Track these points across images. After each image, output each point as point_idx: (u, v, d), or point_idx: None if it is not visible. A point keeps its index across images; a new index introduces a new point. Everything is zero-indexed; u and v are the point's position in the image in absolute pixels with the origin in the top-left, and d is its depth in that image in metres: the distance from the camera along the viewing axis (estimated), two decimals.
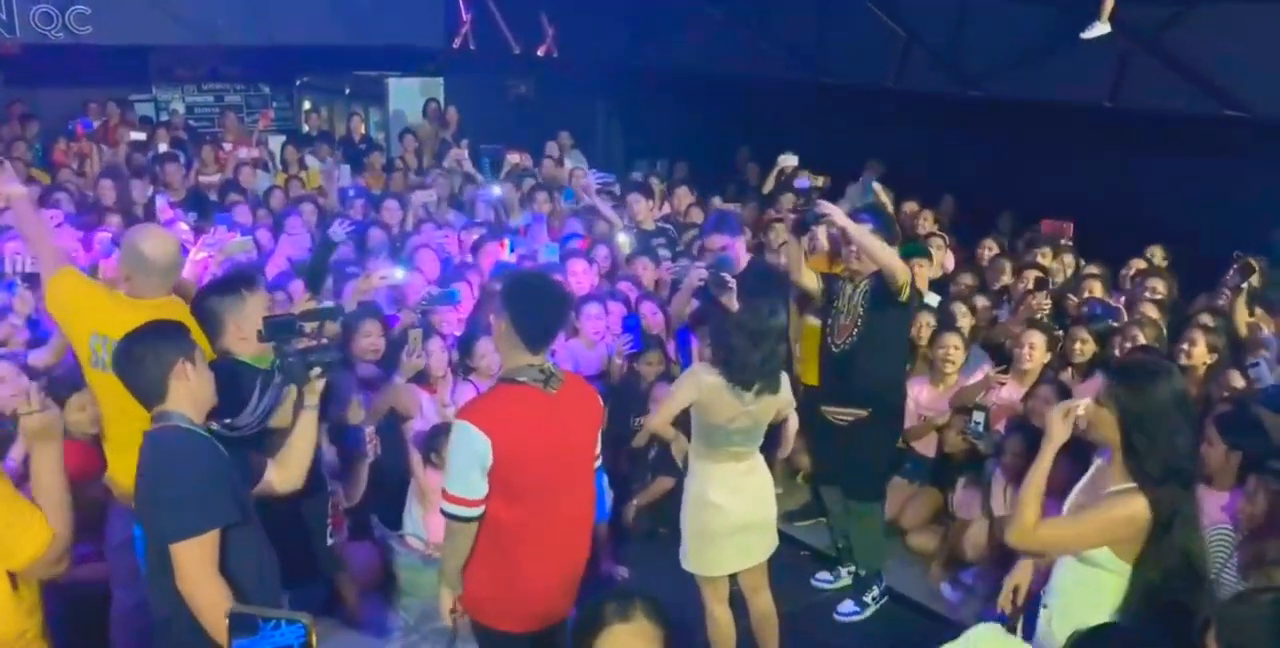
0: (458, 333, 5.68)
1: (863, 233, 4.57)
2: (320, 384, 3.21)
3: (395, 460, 5.00)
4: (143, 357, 2.83)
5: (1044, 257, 6.85)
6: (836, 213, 4.62)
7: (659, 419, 4.21)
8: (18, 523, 2.70)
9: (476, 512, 3.10)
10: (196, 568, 2.72)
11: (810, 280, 5.00)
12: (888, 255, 4.56)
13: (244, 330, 3.48)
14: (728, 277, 5.09)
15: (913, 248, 7.18)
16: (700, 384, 4.01)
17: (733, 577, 4.27)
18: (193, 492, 2.74)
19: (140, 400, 2.89)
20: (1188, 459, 2.83)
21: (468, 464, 3.06)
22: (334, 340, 4.24)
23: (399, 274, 5.50)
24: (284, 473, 3.23)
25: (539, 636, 3.31)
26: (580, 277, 6.24)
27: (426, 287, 5.98)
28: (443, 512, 3.16)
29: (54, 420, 2.82)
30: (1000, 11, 7.80)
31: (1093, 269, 6.62)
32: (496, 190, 8.31)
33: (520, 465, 3.10)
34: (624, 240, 6.94)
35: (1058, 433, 2.86)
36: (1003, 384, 5.25)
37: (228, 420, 3.09)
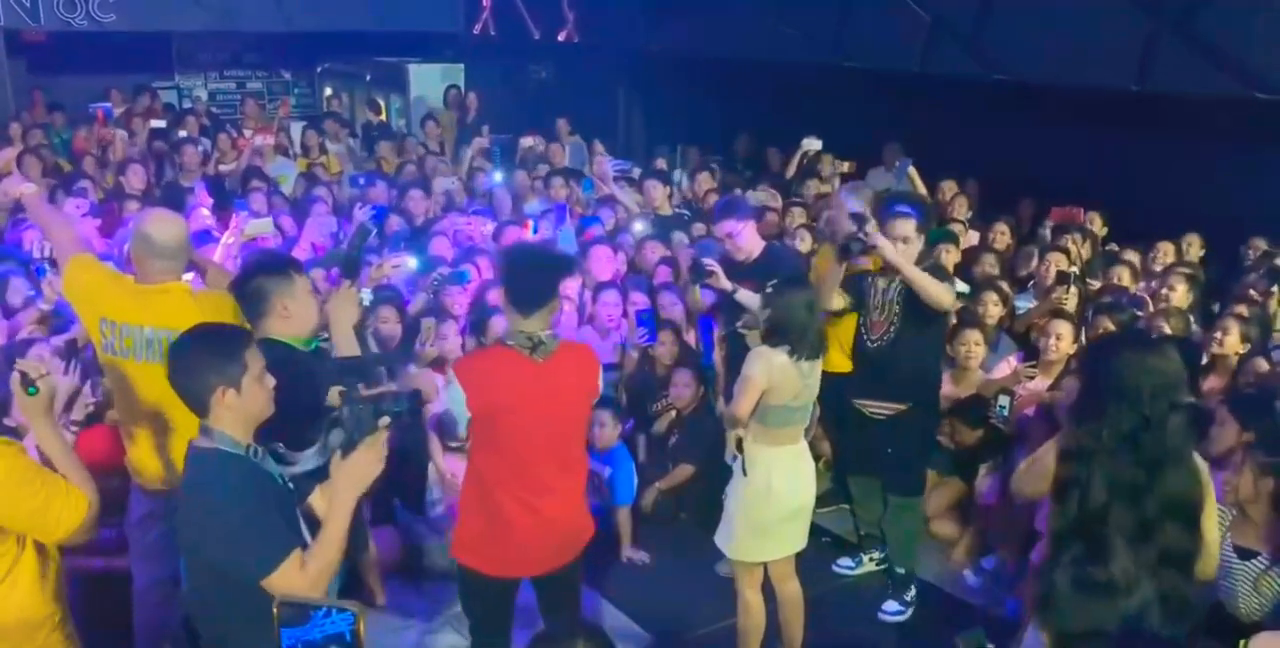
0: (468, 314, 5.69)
1: (912, 270, 4.51)
2: (385, 436, 2.82)
3: (414, 445, 5.00)
4: (188, 370, 2.66)
5: (1073, 243, 6.76)
6: (886, 246, 4.53)
7: (742, 408, 4.02)
8: (57, 497, 2.77)
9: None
10: (294, 587, 2.54)
11: (839, 303, 4.84)
12: (937, 291, 4.52)
13: (290, 310, 3.49)
14: (708, 261, 5.05)
15: (940, 233, 7.13)
16: (771, 366, 3.99)
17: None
18: (252, 528, 2.56)
19: (188, 408, 2.72)
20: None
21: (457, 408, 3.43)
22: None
23: (412, 263, 5.51)
24: (306, 573, 2.59)
25: (525, 584, 3.60)
26: (603, 263, 6.21)
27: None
28: None
29: (48, 397, 2.90)
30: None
31: (1122, 256, 6.56)
32: (498, 177, 8.29)
33: (496, 421, 3.34)
34: (639, 228, 6.90)
35: None
36: (1031, 378, 5.16)
37: (283, 449, 2.97)
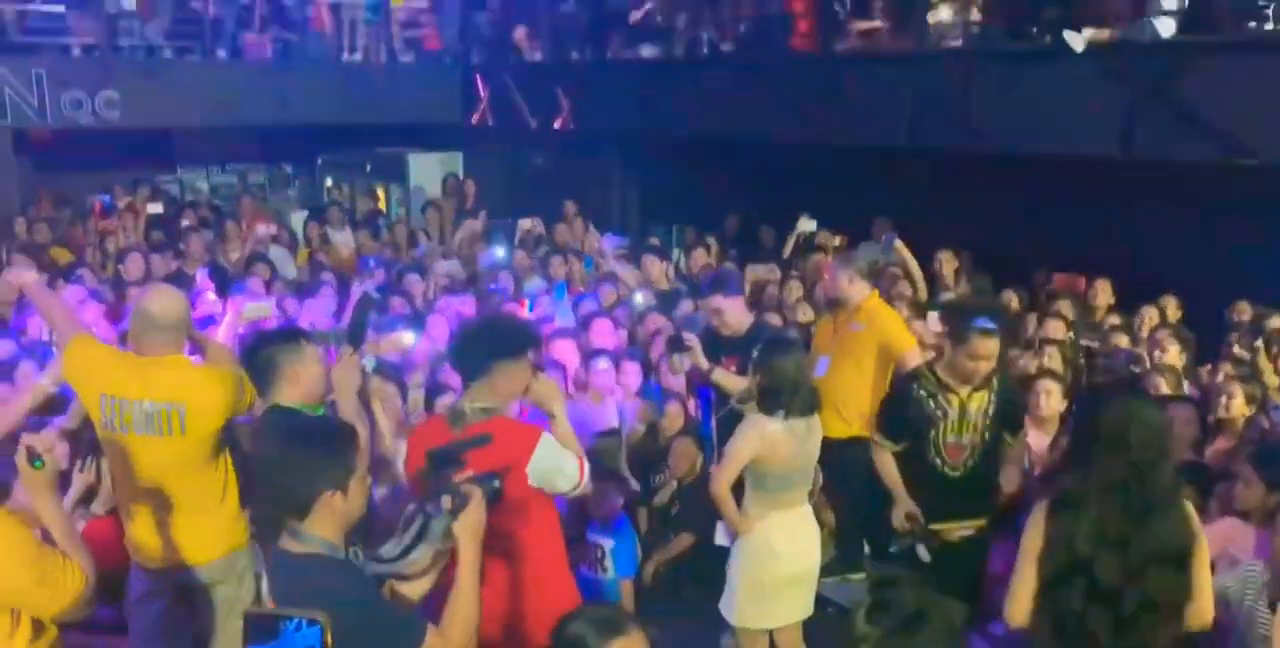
0: None
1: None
2: (481, 514, 2.77)
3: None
4: (295, 471, 2.54)
5: (1064, 308, 6.84)
6: None
7: (722, 483, 4.06)
8: (54, 571, 2.76)
9: None
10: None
11: (889, 448, 4.46)
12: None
13: (301, 376, 3.59)
14: (688, 336, 5.14)
15: (941, 305, 7.21)
16: (764, 435, 4.02)
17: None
18: (385, 630, 2.52)
19: (275, 506, 2.61)
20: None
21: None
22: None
23: (408, 339, 5.57)
24: (450, 638, 2.63)
25: None
26: (605, 337, 6.27)
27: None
28: None
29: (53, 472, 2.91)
30: (1008, 68, 7.92)
31: (1114, 320, 6.64)
32: (499, 252, 8.42)
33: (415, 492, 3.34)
34: (640, 300, 7.00)
35: None
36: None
37: (371, 552, 2.81)
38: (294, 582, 2.50)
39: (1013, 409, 4.32)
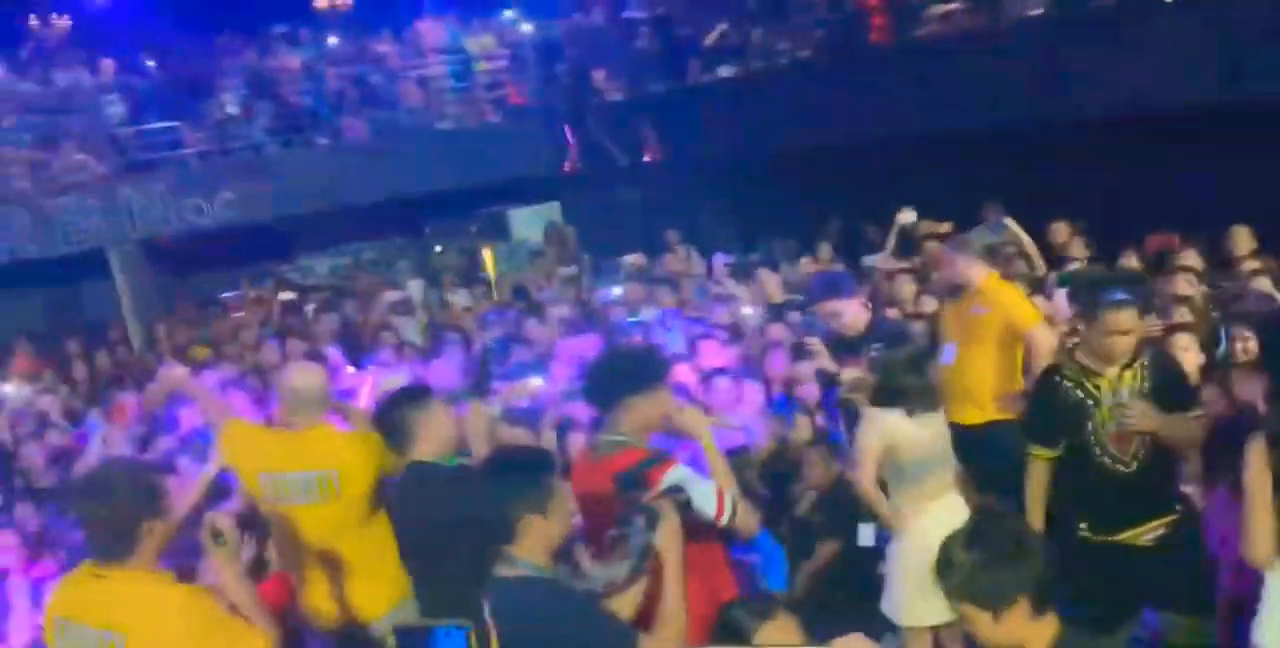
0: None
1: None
2: (676, 522, 2.89)
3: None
4: (497, 499, 2.68)
5: (1188, 260, 6.55)
6: (1151, 415, 3.65)
7: (864, 479, 4.05)
8: (241, 639, 2.88)
9: None
10: None
11: (1045, 455, 3.93)
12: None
13: (432, 433, 3.67)
14: (809, 340, 5.08)
15: (1069, 276, 6.99)
16: (882, 428, 4.00)
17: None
18: (601, 632, 2.66)
19: (478, 535, 2.75)
20: None
21: None
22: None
23: (535, 384, 5.67)
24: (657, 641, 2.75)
25: None
26: (714, 357, 6.26)
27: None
28: None
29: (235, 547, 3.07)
30: (1093, 30, 7.69)
31: (1254, 265, 6.33)
32: (616, 291, 8.51)
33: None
34: (748, 312, 7.00)
35: None
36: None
37: (578, 573, 2.93)
38: (511, 604, 2.62)
39: (1174, 380, 3.79)
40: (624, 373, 3.44)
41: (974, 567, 2.01)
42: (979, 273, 5.34)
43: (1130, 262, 7.02)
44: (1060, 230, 7.90)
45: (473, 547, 2.72)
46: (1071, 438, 3.78)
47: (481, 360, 4.53)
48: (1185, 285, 5.96)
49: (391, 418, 3.72)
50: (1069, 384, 3.80)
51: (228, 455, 4.21)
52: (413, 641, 2.21)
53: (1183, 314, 5.49)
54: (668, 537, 2.80)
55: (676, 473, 3.25)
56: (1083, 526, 3.79)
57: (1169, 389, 3.76)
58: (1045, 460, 3.91)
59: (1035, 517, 3.91)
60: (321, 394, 4.07)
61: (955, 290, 5.48)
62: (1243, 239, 6.88)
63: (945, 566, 2.06)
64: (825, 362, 4.98)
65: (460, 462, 3.89)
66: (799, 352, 5.13)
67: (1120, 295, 3.70)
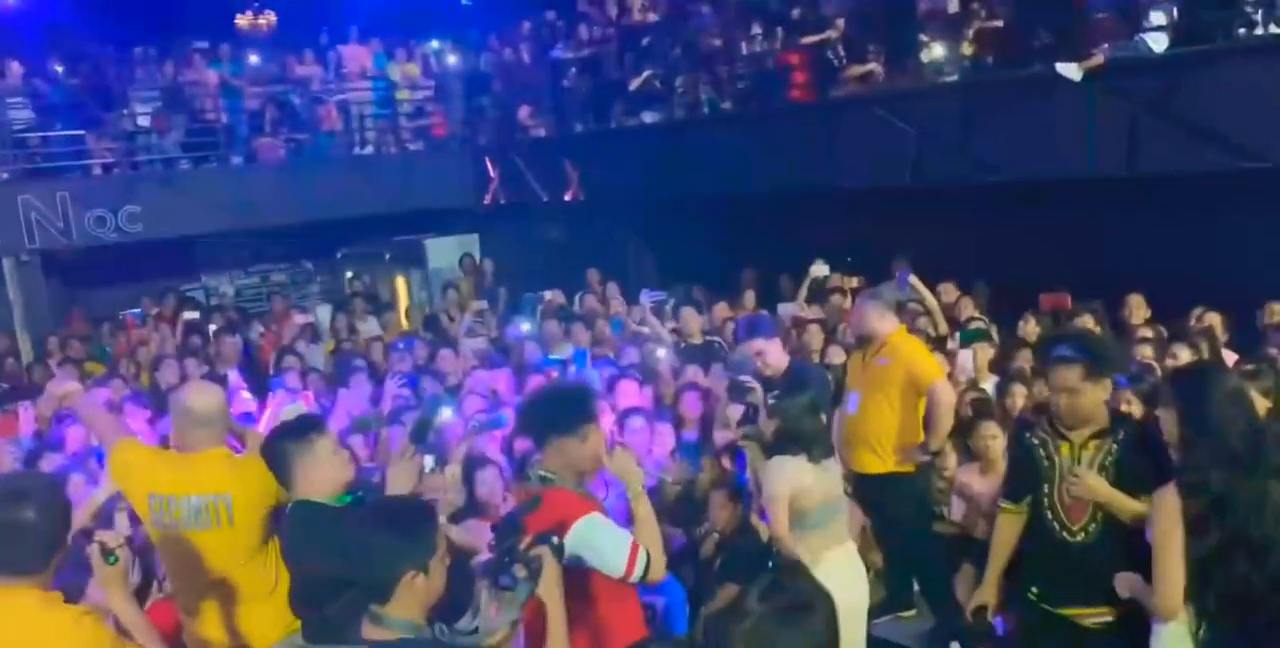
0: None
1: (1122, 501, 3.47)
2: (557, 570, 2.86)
3: (465, 597, 4.93)
4: (377, 554, 2.53)
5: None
6: (1097, 487, 3.51)
7: (780, 527, 4.08)
8: None
9: None
10: None
11: (1013, 511, 3.82)
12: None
13: (313, 475, 3.46)
14: (747, 380, 5.14)
15: (973, 333, 7.22)
16: (789, 475, 4.04)
17: None
18: None
19: (361, 589, 2.59)
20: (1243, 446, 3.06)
21: None
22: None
23: (446, 413, 5.60)
24: None
25: None
26: (630, 399, 6.28)
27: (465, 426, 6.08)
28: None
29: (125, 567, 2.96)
30: (1005, 98, 8.01)
31: (1147, 332, 6.61)
32: (525, 327, 8.53)
33: None
34: (662, 354, 7.04)
35: None
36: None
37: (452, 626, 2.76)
38: None
39: (1152, 456, 3.46)
40: (547, 415, 3.41)
41: (761, 617, 2.08)
42: (887, 325, 5.49)
43: (1029, 324, 7.27)
44: (949, 290, 8.15)
45: (351, 599, 2.56)
46: (1033, 497, 3.69)
47: (424, 409, 4.44)
48: None
49: (273, 454, 3.53)
50: (1035, 442, 3.71)
51: (116, 474, 4.05)
52: None
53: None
54: (550, 586, 2.73)
55: (589, 524, 3.21)
56: (1033, 589, 3.73)
57: (1142, 465, 3.47)
58: (1012, 514, 3.83)
59: (994, 569, 3.90)
60: (218, 416, 3.93)
61: (862, 341, 5.62)
62: (1139, 306, 7.19)
63: (736, 612, 2.12)
64: (758, 400, 5.02)
65: (359, 495, 3.73)
66: (734, 392, 5.16)
67: (1062, 351, 3.65)
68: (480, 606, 2.68)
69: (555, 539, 2.84)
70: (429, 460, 3.80)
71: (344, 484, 3.59)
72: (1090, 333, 5.40)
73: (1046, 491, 3.62)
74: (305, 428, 3.58)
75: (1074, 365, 3.55)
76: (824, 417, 4.25)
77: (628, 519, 3.39)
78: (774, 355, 5.33)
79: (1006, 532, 3.84)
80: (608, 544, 3.21)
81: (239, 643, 3.78)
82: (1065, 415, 3.60)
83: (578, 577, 3.19)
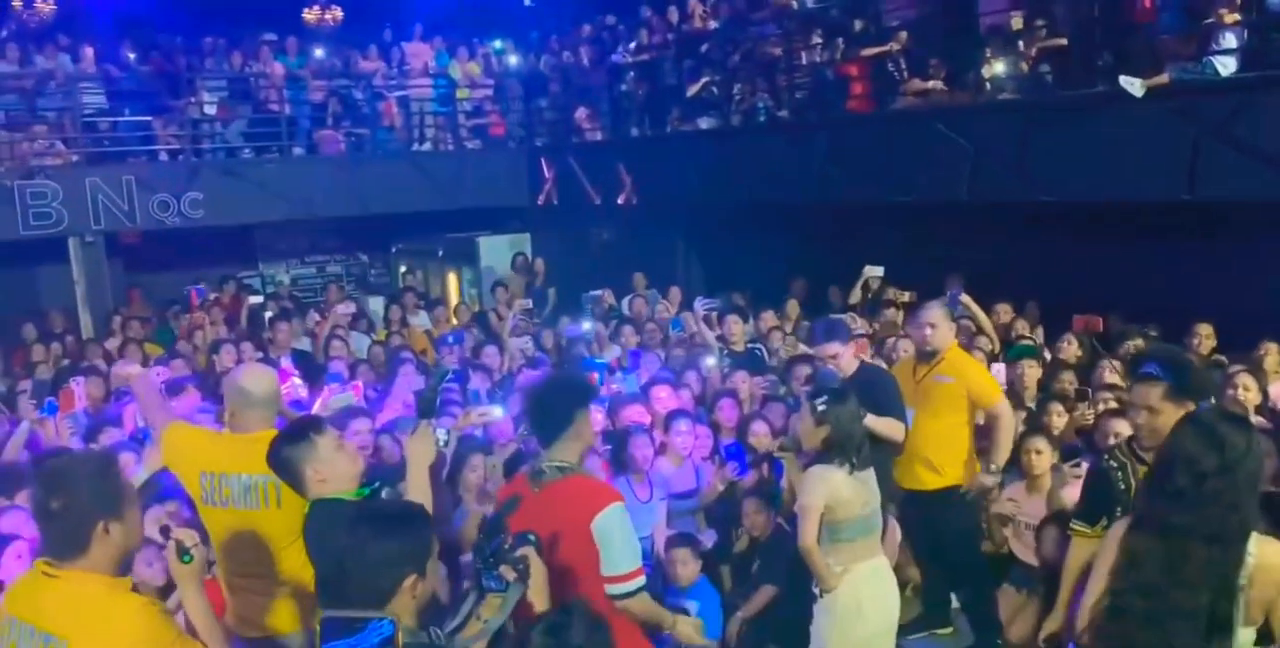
0: None
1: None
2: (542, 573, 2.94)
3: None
4: (374, 559, 2.43)
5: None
6: None
7: (807, 536, 4.06)
8: None
9: None
10: None
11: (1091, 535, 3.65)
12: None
13: (321, 474, 3.42)
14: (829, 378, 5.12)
15: (1021, 350, 7.18)
16: (829, 483, 4.04)
17: None
18: None
19: (358, 597, 2.46)
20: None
21: None
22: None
23: (497, 413, 5.66)
24: None
25: None
26: (665, 402, 6.33)
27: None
28: None
29: (201, 565, 3.00)
30: (1065, 117, 7.95)
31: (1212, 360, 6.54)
32: (586, 326, 8.58)
33: None
34: (711, 363, 7.07)
35: None
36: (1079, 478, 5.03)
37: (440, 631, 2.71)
38: None
39: None
40: (571, 390, 3.54)
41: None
42: (948, 340, 5.46)
43: (1071, 345, 7.22)
44: (1005, 310, 8.12)
45: (360, 596, 2.46)
46: (1108, 521, 3.49)
47: (431, 379, 4.44)
48: (1111, 373, 6.17)
49: (278, 461, 3.49)
50: (1114, 465, 3.63)
51: (168, 455, 4.13)
52: (340, 628, 2.09)
53: (1108, 402, 5.65)
54: (540, 586, 2.82)
55: (618, 511, 3.28)
56: None
57: None
58: (1086, 538, 3.65)
59: (1066, 591, 3.77)
60: (271, 398, 4.00)
61: (922, 355, 5.58)
62: (1206, 336, 6.89)
63: (526, 643, 2.29)
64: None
65: (375, 487, 3.72)
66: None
67: (1148, 369, 3.59)
68: (465, 611, 2.70)
69: (533, 536, 2.86)
70: (441, 434, 3.83)
71: (355, 478, 3.52)
72: (1181, 354, 5.18)
73: (1120, 514, 3.43)
74: (304, 430, 3.52)
75: (1157, 384, 3.50)
76: (864, 432, 4.25)
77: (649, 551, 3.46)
78: (846, 360, 5.30)
79: (1080, 556, 3.64)
80: (624, 541, 3.28)
81: (277, 622, 3.85)
82: (1145, 436, 3.51)
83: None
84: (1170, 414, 3.41)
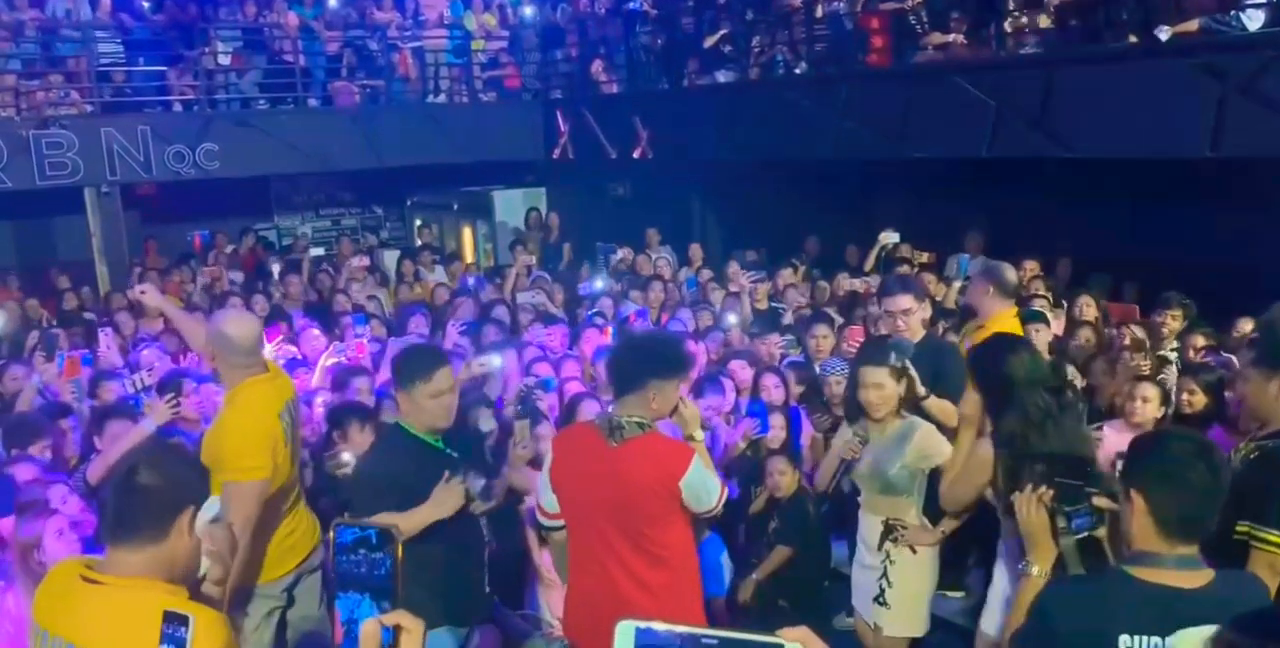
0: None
1: None
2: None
3: (513, 541, 5.04)
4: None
5: (1173, 318, 6.61)
6: None
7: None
8: None
9: (549, 522, 3.60)
10: None
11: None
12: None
13: (424, 404, 3.63)
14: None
15: (1031, 314, 7.09)
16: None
17: None
18: None
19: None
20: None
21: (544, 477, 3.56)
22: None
23: (496, 361, 5.68)
24: None
25: None
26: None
27: (522, 377, 6.14)
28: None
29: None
30: (1088, 71, 7.81)
31: (1204, 330, 6.43)
32: (599, 283, 8.54)
33: (562, 495, 3.49)
34: (733, 320, 7.05)
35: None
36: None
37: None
38: None
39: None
40: (652, 357, 3.48)
41: None
42: (995, 305, 5.28)
43: (1089, 306, 7.13)
44: (1032, 267, 8.04)
45: None
46: None
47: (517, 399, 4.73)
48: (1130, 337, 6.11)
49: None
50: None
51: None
52: (352, 536, 1.96)
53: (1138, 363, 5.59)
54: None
55: (699, 464, 3.40)
56: None
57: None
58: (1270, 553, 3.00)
59: None
60: (252, 345, 3.92)
61: (969, 314, 5.40)
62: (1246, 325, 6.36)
63: None
64: (917, 387, 4.42)
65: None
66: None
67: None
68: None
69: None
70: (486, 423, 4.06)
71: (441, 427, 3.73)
72: (1273, 322, 4.67)
73: None
74: (436, 357, 3.77)
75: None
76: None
77: None
78: (916, 319, 4.91)
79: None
80: (710, 482, 3.43)
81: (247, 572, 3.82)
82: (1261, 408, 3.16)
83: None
84: (1256, 383, 3.16)
